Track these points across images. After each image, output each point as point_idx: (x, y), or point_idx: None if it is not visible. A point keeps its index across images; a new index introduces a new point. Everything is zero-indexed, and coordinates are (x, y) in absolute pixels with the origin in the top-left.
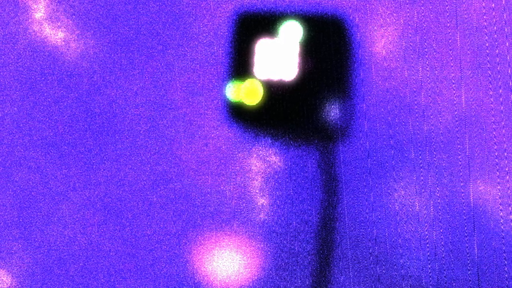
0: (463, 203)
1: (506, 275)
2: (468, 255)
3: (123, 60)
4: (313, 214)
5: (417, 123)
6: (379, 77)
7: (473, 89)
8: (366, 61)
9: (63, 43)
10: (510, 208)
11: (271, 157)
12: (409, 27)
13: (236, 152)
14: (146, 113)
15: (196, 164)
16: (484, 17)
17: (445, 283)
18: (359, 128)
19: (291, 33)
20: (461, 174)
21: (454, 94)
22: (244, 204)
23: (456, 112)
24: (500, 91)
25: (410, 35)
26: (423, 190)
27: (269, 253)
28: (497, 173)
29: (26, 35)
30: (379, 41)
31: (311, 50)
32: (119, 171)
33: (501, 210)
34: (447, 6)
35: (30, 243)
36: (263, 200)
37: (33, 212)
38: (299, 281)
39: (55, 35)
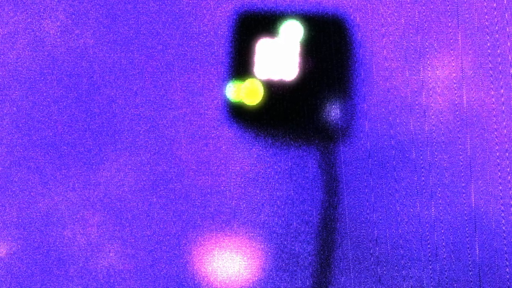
0: (465, 203)
1: (508, 276)
2: (469, 255)
3: (123, 60)
4: (314, 214)
5: (418, 123)
6: (380, 77)
7: (474, 89)
8: (367, 61)
9: (62, 42)
10: (511, 209)
11: (271, 158)
12: (410, 26)
13: (236, 152)
14: (146, 113)
15: (196, 164)
16: (486, 16)
17: (446, 284)
18: (360, 128)
19: (292, 32)
20: (462, 174)
21: (456, 94)
22: (244, 205)
23: (457, 112)
24: (502, 91)
25: (411, 34)
26: (424, 191)
27: (269, 254)
28: (499, 173)
29: (24, 34)
30: (380, 41)
31: (312, 49)
32: (118, 171)
33: (502, 210)
34: (448, 5)
35: (29, 243)
36: (263, 201)
37: (32, 212)
38: (299, 282)
39: (55, 34)
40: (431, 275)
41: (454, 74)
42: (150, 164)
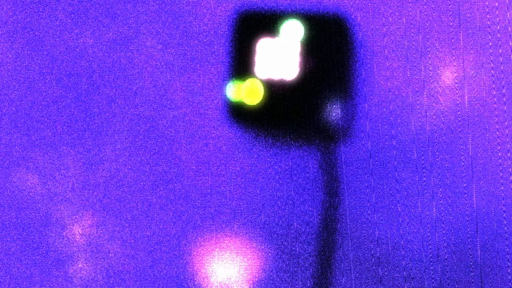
0: (466, 204)
1: (510, 277)
2: (471, 256)
3: (122, 60)
4: (315, 215)
5: (420, 123)
6: (381, 76)
7: (476, 89)
8: (368, 61)
9: (61, 42)
10: None
11: (271, 158)
12: (412, 26)
13: (237, 153)
14: (146, 113)
15: (196, 164)
16: (487, 16)
17: (448, 285)
18: (361, 128)
19: (292, 32)
20: (464, 174)
21: (457, 94)
22: (244, 205)
23: (459, 112)
24: (504, 91)
25: (412, 34)
26: (425, 191)
27: (269, 254)
28: (501, 173)
29: (23, 33)
30: (381, 40)
31: (313, 49)
32: (118, 172)
33: (504, 211)
34: (450, 4)
35: (29, 244)
36: (263, 201)
37: (32, 212)
38: (300, 283)
39: (54, 34)
40: (433, 276)
41: (455, 74)
42: (150, 164)
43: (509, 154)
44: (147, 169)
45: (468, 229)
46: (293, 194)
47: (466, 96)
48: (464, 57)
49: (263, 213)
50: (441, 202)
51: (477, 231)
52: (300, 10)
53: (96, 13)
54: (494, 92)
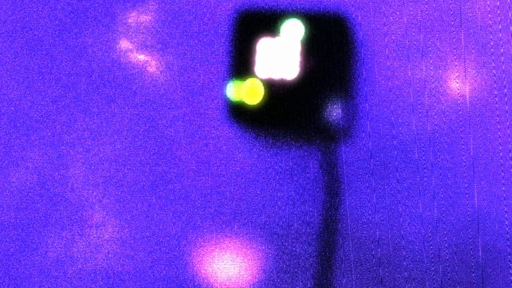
0: (467, 204)
1: (511, 278)
2: (472, 257)
3: (122, 59)
4: (315, 215)
5: (421, 123)
6: (382, 76)
7: (477, 89)
8: (368, 60)
9: (61, 41)
10: None
11: (272, 158)
12: (413, 25)
13: (237, 153)
14: (146, 113)
15: (196, 164)
16: (489, 15)
17: (449, 285)
18: (362, 128)
19: (293, 32)
20: (465, 175)
21: (458, 93)
22: (244, 206)
23: (460, 112)
24: (505, 90)
25: (413, 33)
26: (426, 191)
27: (270, 255)
28: (502, 173)
29: (22, 33)
30: (382, 40)
31: (313, 49)
32: (117, 172)
33: (506, 211)
34: (451, 4)
35: (28, 244)
36: (264, 202)
37: (31, 213)
38: (300, 283)
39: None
40: (434, 277)
41: (457, 74)
42: (150, 164)
43: (510, 154)
44: (147, 169)
45: (470, 230)
46: (293, 194)
47: (467, 96)
48: (465, 56)
49: (263, 213)
50: (442, 202)
51: (478, 231)
52: (300, 9)
53: (96, 12)
54: (495, 92)
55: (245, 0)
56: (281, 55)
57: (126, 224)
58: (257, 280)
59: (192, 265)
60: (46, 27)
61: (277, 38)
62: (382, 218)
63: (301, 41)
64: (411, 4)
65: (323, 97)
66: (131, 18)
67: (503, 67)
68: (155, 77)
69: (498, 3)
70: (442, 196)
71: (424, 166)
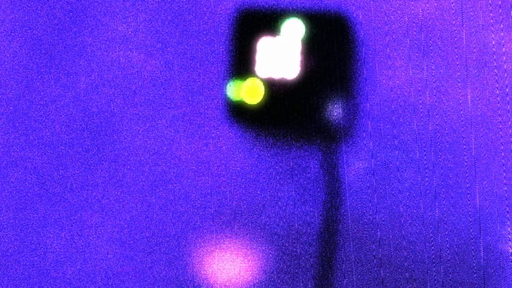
0: (469, 204)
1: None
2: (474, 257)
3: (121, 58)
4: (316, 216)
5: (422, 123)
6: (383, 75)
7: (479, 88)
8: (369, 60)
9: (60, 40)
10: None
11: (272, 158)
12: (414, 24)
13: (237, 153)
14: (145, 112)
15: (196, 164)
16: (491, 14)
17: (451, 286)
18: (363, 128)
19: (293, 30)
20: (466, 175)
21: (460, 93)
22: (245, 206)
23: (461, 112)
24: (507, 90)
25: (414, 32)
26: (428, 191)
27: (270, 255)
28: (504, 174)
29: (21, 32)
30: (383, 39)
31: (314, 48)
32: (117, 172)
33: (507, 211)
34: (452, 3)
35: (27, 244)
36: (264, 202)
37: (30, 213)
38: (301, 284)
39: (52, 32)
40: (435, 277)
41: (458, 73)
42: (149, 164)
43: None
44: (146, 169)
45: (471, 230)
46: (294, 194)
47: (469, 96)
48: (467, 56)
49: (263, 213)
50: (444, 202)
51: (480, 232)
52: (301, 8)
53: (95, 11)
54: (497, 92)
55: None
56: (281, 54)
57: (125, 224)
58: (257, 280)
59: (192, 266)
60: (45, 26)
61: (277, 37)
62: (383, 219)
63: (301, 40)
64: (412, 3)
65: (324, 96)
66: (131, 17)
67: (505, 67)
68: (155, 76)
69: (500, 2)
70: (443, 196)
71: (426, 166)
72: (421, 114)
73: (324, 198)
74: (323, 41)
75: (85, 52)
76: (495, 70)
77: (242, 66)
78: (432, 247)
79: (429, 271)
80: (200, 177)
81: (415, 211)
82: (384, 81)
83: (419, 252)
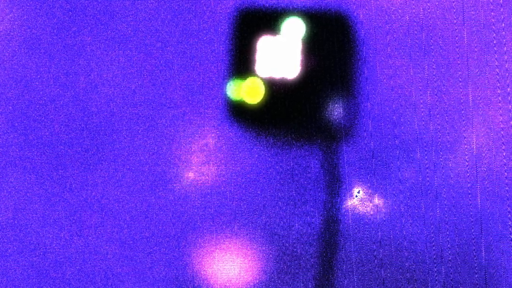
0: (470, 204)
1: None
2: (475, 258)
3: (121, 58)
4: (316, 216)
5: (423, 123)
6: (384, 75)
7: (480, 88)
8: (370, 59)
9: (59, 40)
10: None
11: (273, 158)
12: (415, 24)
13: (237, 153)
14: (145, 112)
15: (196, 164)
16: (492, 13)
17: (452, 286)
18: (364, 128)
19: (294, 30)
20: (468, 175)
21: (461, 92)
22: (245, 206)
23: (462, 111)
24: (508, 89)
25: (415, 32)
26: (429, 191)
27: (271, 255)
28: (505, 174)
29: (20, 31)
30: (384, 38)
31: (314, 47)
32: (116, 172)
33: (509, 212)
34: (453, 2)
35: (26, 245)
36: (264, 202)
37: (29, 213)
38: (301, 284)
39: (51, 32)
40: (436, 278)
41: (459, 72)
42: (149, 164)
43: None
44: (146, 169)
45: (473, 230)
46: (294, 194)
47: (470, 95)
48: (468, 55)
49: (264, 213)
50: (445, 202)
51: (481, 232)
52: (301, 7)
53: (95, 11)
54: (498, 91)
55: None
56: (282, 53)
57: (125, 225)
58: (257, 281)
59: (192, 266)
60: (45, 26)
61: (278, 36)
62: (384, 219)
63: (302, 39)
64: (413, 2)
65: (324, 96)
66: (130, 16)
67: (506, 66)
68: (155, 75)
69: (501, 1)
70: (444, 196)
71: (427, 166)
72: (422, 114)
73: (325, 198)
74: (323, 41)
75: (85, 52)
76: (496, 70)
77: (242, 65)
78: (433, 248)
79: (430, 272)
80: (200, 177)
81: (416, 211)
82: (385, 80)
83: (420, 253)
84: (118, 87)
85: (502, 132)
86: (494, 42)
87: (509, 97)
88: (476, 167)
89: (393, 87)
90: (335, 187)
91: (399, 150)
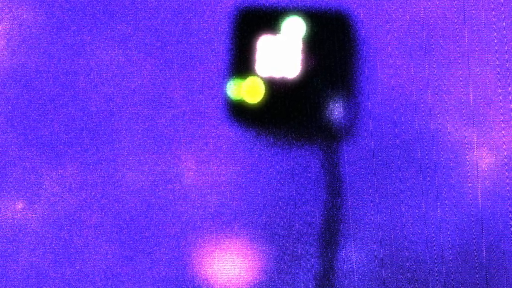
0: (471, 204)
1: None
2: (476, 257)
3: (121, 57)
4: (317, 216)
5: (424, 122)
6: (385, 74)
7: (481, 87)
8: (371, 58)
9: (59, 39)
10: None
11: (273, 157)
12: (416, 22)
13: (237, 152)
14: (145, 112)
15: (196, 164)
16: (493, 12)
17: (453, 286)
18: (364, 127)
19: (294, 29)
20: (469, 174)
21: (462, 92)
22: (245, 206)
23: (463, 111)
24: (509, 89)
25: (416, 31)
26: (430, 191)
27: (271, 256)
28: (506, 173)
29: (20, 31)
30: (385, 38)
31: (315, 46)
32: (116, 172)
33: (510, 211)
34: (454, 1)
35: (25, 245)
36: (264, 202)
37: (28, 213)
38: (302, 284)
39: (51, 31)
40: (437, 278)
41: (460, 72)
42: (149, 164)
43: None
44: (146, 169)
45: (473, 230)
46: (295, 194)
47: (471, 95)
48: (469, 54)
49: (264, 213)
50: (446, 202)
51: (482, 231)
52: (301, 6)
53: (94, 10)
54: (499, 90)
55: None
56: (282, 53)
57: (124, 225)
58: (257, 281)
59: (192, 266)
60: (44, 25)
61: (278, 35)
62: (384, 219)
63: (302, 38)
64: (413, 1)
65: (325, 95)
66: (130, 15)
67: (507, 65)
68: (154, 75)
69: (502, 1)
70: (445, 196)
71: (427, 166)
72: (423, 113)
73: (325, 198)
74: (324, 40)
75: (84, 51)
76: (497, 69)
77: (242, 65)
78: (434, 247)
79: (431, 272)
80: (200, 177)
81: (416, 211)
82: (385, 79)
83: (421, 253)
84: (118, 87)
85: (503, 132)
86: (495, 41)
87: (510, 97)
88: (476, 166)
89: (394, 86)
90: (335, 187)
91: (400, 150)
